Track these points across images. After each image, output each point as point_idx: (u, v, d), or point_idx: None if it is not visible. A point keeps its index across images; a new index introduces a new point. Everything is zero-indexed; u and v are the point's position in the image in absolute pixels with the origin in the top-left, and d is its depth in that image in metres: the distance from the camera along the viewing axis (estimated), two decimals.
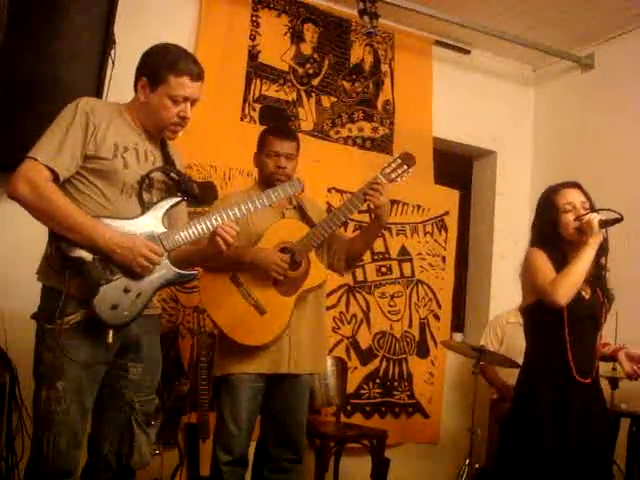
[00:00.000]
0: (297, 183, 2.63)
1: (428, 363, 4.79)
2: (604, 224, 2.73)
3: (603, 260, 2.85)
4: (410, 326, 4.73)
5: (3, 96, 3.20)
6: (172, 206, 2.39)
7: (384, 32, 4.74)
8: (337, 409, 4.18)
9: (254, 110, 4.30)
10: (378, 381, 4.60)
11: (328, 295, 4.41)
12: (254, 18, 4.36)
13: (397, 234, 4.73)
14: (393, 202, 4.70)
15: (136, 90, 2.42)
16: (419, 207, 4.83)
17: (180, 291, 3.93)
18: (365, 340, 4.56)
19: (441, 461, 4.74)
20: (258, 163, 3.22)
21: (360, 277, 4.59)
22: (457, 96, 5.02)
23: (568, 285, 2.67)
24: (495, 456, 2.95)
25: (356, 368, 4.51)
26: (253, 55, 4.34)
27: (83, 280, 2.19)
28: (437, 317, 4.85)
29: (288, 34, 4.47)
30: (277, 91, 4.41)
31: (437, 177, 4.93)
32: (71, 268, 2.19)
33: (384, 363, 4.62)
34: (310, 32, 4.55)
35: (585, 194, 2.87)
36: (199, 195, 2.50)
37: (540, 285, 2.74)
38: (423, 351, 4.77)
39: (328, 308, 4.40)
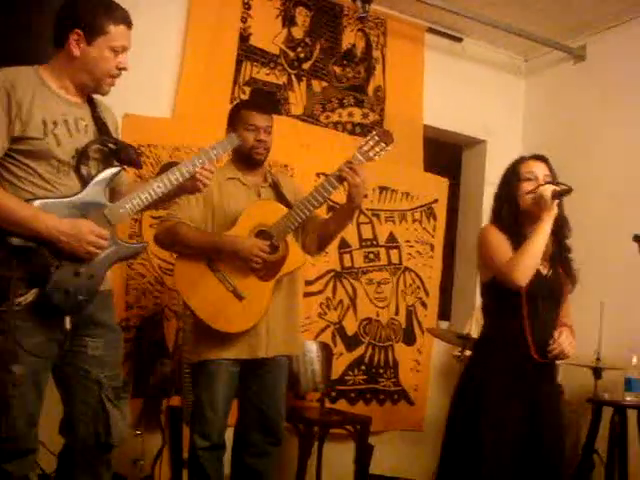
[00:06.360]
0: (233, 136, 2.59)
1: (414, 351, 4.78)
2: (557, 195, 2.61)
3: (565, 240, 2.76)
4: (397, 313, 4.72)
5: None
6: (112, 177, 2.29)
7: (376, 18, 4.70)
8: (322, 395, 4.17)
9: (244, 93, 4.26)
10: (363, 367, 4.59)
11: (315, 281, 4.43)
12: (246, 0, 4.31)
13: (385, 221, 4.72)
14: (382, 189, 4.70)
15: (62, 44, 2.23)
16: (408, 194, 4.81)
17: (166, 273, 3.90)
18: (351, 326, 4.55)
19: (425, 448, 4.74)
20: None
21: (347, 263, 4.57)
22: (448, 84, 4.99)
23: (526, 265, 2.58)
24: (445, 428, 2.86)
25: (342, 354, 4.50)
26: (244, 38, 4.29)
27: (31, 266, 2.10)
28: (424, 305, 4.84)
29: (280, 17, 4.43)
30: (267, 74, 4.37)
31: (427, 165, 4.92)
32: (17, 255, 2.09)
33: (370, 350, 4.62)
34: (302, 16, 4.51)
35: (551, 169, 2.75)
36: (139, 161, 2.43)
37: (497, 265, 2.65)
38: (409, 338, 4.77)
39: (314, 294, 4.42)
